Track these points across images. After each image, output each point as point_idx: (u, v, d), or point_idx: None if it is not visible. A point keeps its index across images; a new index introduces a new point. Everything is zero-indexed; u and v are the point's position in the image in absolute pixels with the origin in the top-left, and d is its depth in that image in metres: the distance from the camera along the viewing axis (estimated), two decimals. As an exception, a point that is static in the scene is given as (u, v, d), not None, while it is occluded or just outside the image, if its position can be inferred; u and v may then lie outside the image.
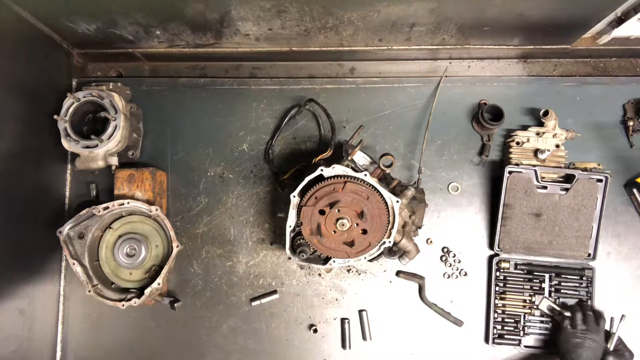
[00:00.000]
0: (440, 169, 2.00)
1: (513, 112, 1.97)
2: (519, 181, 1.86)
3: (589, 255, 1.88)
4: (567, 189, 1.86)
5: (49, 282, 1.95)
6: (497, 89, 2.02)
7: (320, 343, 1.97)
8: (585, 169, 1.86)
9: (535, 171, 1.85)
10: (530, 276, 1.91)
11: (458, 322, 1.92)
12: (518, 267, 1.92)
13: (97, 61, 2.14)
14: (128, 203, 1.80)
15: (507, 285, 1.91)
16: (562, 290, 1.90)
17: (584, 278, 1.89)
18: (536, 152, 1.86)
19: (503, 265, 1.91)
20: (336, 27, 1.78)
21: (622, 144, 1.97)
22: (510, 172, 1.86)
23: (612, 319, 1.85)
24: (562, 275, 1.90)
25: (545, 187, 1.87)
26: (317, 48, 1.97)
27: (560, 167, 1.87)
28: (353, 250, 1.62)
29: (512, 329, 1.90)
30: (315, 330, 1.96)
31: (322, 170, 1.60)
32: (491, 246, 1.94)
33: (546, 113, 1.84)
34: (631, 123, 1.94)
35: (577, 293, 1.89)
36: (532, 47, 1.98)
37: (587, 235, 1.87)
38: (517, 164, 1.86)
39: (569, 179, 1.87)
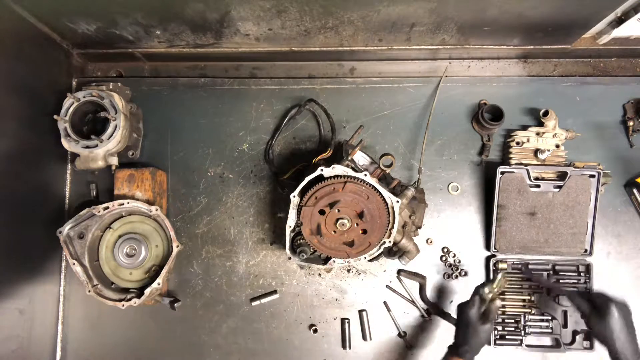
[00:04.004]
0: (440, 169, 2.00)
1: (513, 112, 1.97)
2: (511, 181, 1.86)
3: (586, 251, 1.88)
4: (560, 187, 1.86)
5: (49, 282, 1.95)
6: (497, 89, 2.02)
7: (320, 343, 1.96)
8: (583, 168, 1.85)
9: (528, 170, 1.85)
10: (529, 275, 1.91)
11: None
12: (515, 267, 1.92)
13: (97, 61, 2.14)
14: (128, 203, 1.80)
15: (506, 286, 1.90)
16: (560, 288, 1.89)
17: (581, 274, 1.90)
18: (536, 152, 1.86)
19: (500, 265, 1.91)
20: (336, 27, 1.78)
21: (622, 144, 1.97)
22: (502, 173, 1.86)
23: None
24: (560, 273, 1.91)
25: (538, 186, 1.87)
26: (317, 48, 1.97)
27: (552, 165, 1.86)
28: (353, 250, 1.62)
29: (512, 329, 1.90)
30: (315, 330, 1.96)
31: (322, 170, 1.59)
32: (488, 247, 1.94)
33: (546, 113, 1.84)
34: (631, 123, 1.94)
35: (576, 290, 1.88)
36: (532, 47, 1.98)
37: (583, 231, 1.87)
38: (517, 164, 1.86)
39: (562, 176, 1.87)
